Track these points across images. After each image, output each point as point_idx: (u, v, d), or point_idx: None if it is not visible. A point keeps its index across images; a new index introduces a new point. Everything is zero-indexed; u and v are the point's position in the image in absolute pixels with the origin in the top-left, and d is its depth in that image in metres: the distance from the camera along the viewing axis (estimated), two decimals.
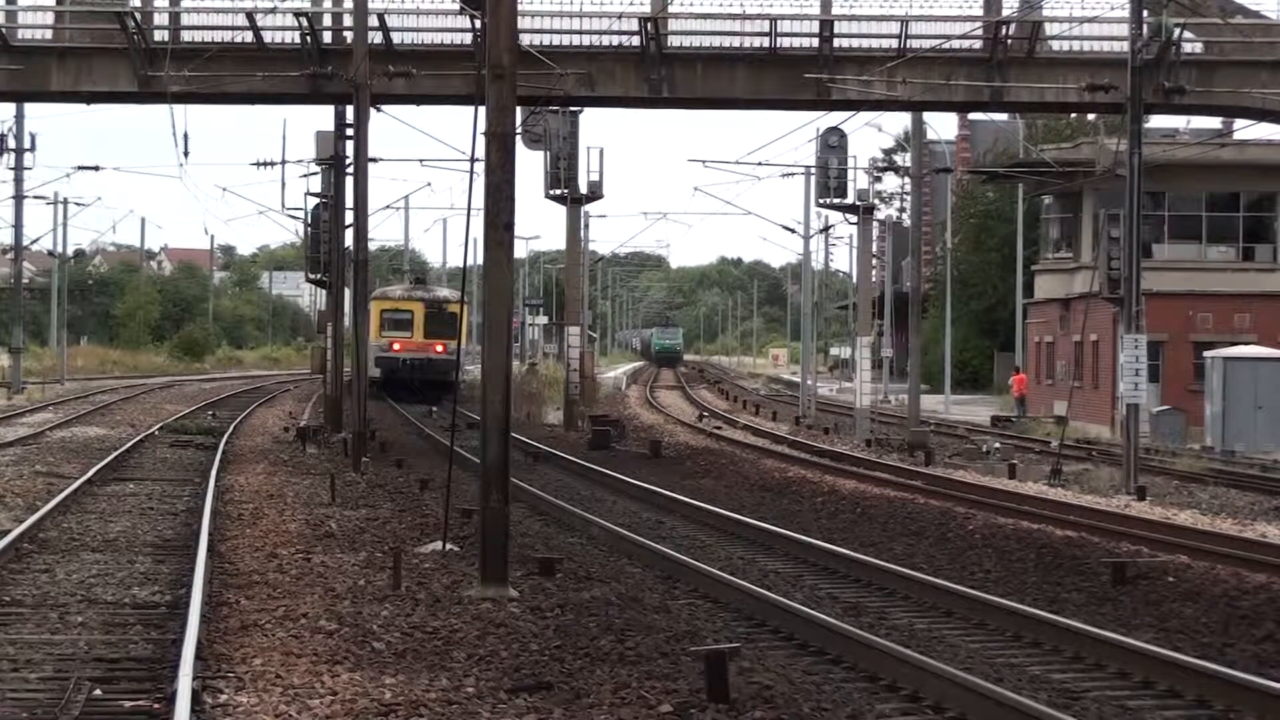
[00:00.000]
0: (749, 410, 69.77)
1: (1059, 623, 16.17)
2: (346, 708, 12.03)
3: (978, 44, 40.05)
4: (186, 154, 44.31)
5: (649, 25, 39.52)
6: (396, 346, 66.79)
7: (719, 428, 54.85)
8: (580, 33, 40.16)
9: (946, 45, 39.97)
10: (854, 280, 75.27)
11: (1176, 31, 38.31)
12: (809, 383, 67.92)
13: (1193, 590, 19.50)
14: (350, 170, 40.16)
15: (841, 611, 17.43)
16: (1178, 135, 62.66)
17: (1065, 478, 36.07)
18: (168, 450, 39.09)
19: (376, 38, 38.44)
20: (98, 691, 12.54)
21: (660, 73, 40.23)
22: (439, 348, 66.76)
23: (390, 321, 67.35)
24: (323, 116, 46.41)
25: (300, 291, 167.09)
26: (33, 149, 73.49)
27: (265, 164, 54.95)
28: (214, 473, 31.19)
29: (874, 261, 60.10)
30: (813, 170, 59.23)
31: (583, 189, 54.50)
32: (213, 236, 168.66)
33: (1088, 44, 40.18)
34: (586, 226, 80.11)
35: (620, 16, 39.93)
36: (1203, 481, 36.32)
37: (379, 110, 40.74)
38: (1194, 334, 57.32)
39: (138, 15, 39.73)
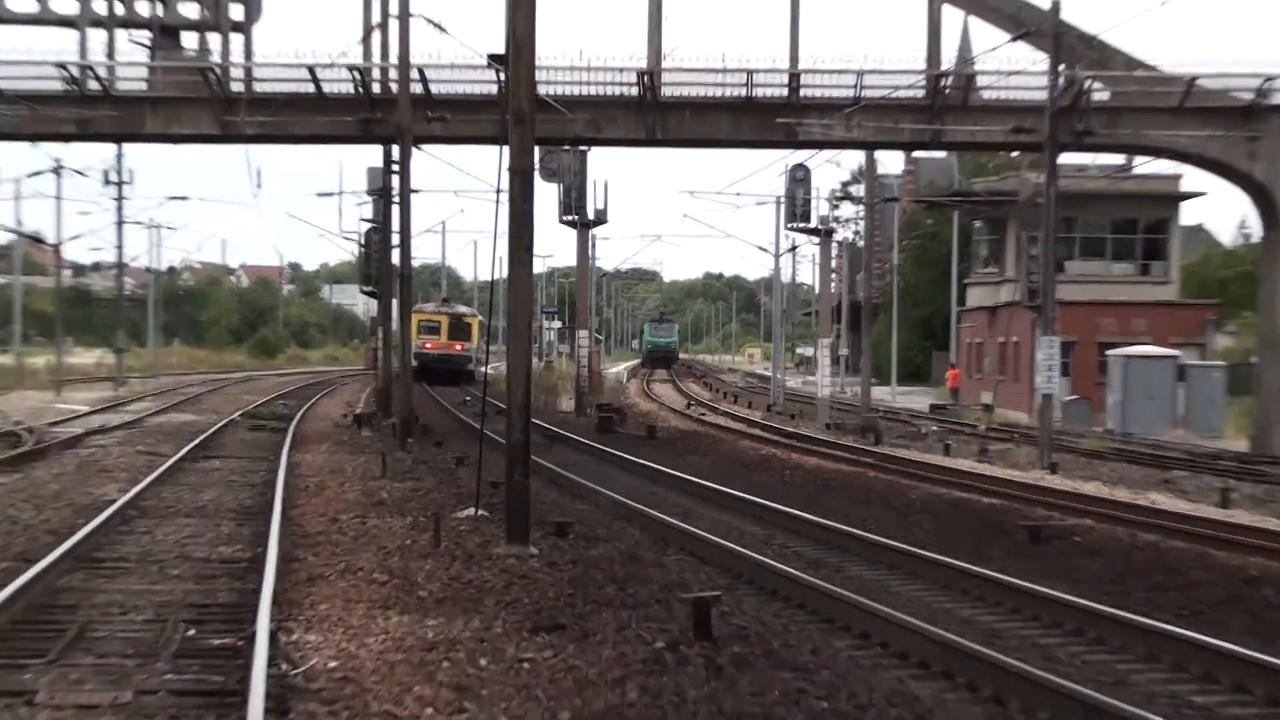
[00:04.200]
0: (729, 400, 69.72)
1: (984, 575, 16.29)
2: (396, 645, 12.11)
3: (920, 93, 40.19)
4: (259, 186, 44.93)
5: (645, 78, 39.67)
6: (428, 345, 75.95)
7: (704, 414, 54.89)
8: (588, 84, 40.29)
9: (895, 94, 40.12)
10: (816, 291, 75.32)
11: (1087, 83, 38.51)
12: (778, 377, 67.95)
13: (1095, 548, 19.62)
14: (396, 200, 40.24)
15: (805, 566, 17.52)
16: (1087, 169, 62.75)
17: (991, 455, 36.20)
18: (246, 433, 39.13)
19: (417, 88, 38.53)
20: (191, 632, 12.63)
21: (655, 118, 40.35)
22: (458, 347, 78.07)
23: (424, 328, 75.55)
24: (373, 154, 46.55)
25: (355, 301, 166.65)
26: (131, 182, 73.72)
27: (326, 194, 55.77)
28: (285, 451, 31.24)
29: (833, 276, 60.07)
30: (782, 199, 59.30)
31: (590, 215, 54.51)
32: (282, 255, 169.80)
33: (1013, 93, 40.32)
34: (593, 246, 79.62)
35: (621, 70, 40.07)
36: (1104, 458, 36.45)
37: (419, 149, 40.82)
38: (1099, 336, 57.50)
39: (217, 70, 39.86)
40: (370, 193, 47.68)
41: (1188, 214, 71.54)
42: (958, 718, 9.77)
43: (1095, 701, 10.15)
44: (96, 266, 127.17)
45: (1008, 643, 13.28)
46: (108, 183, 71.71)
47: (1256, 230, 48.40)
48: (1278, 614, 14.83)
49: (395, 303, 42.19)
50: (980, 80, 41.12)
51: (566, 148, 48.53)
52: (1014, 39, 38.83)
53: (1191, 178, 56.73)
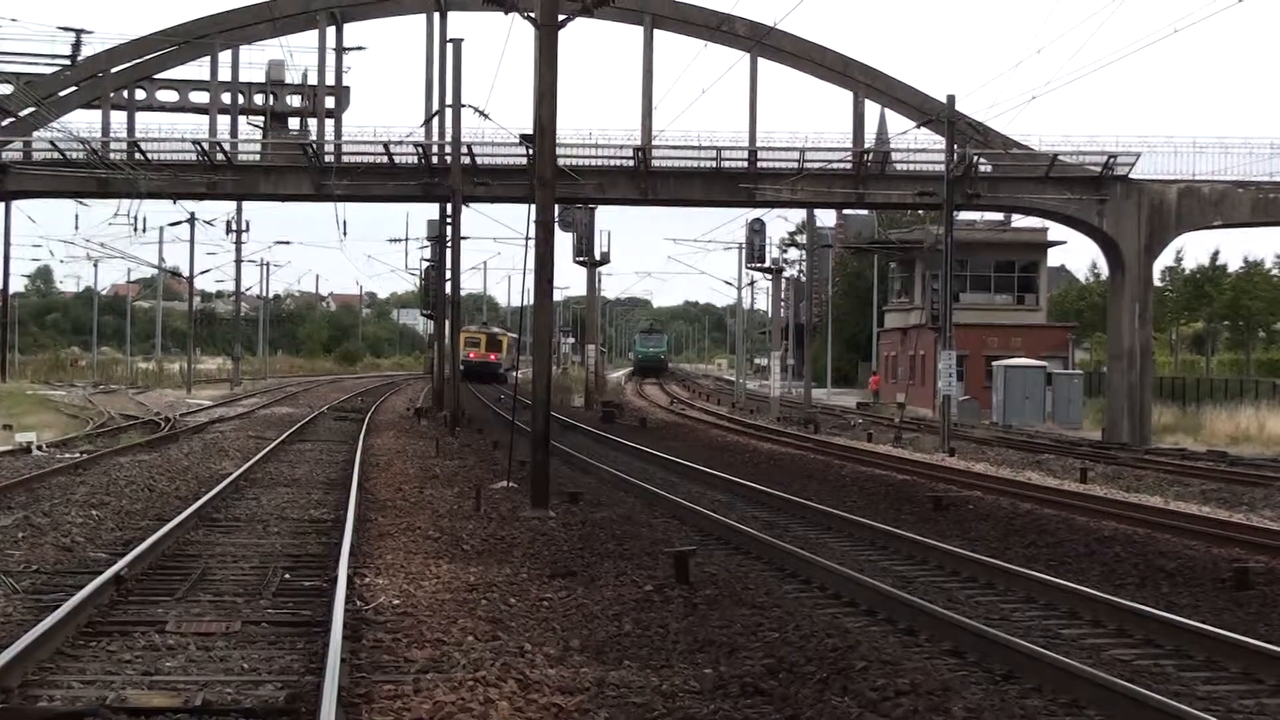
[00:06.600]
0: (702, 398, 69.63)
1: (899, 534, 16.11)
2: (446, 586, 12.00)
3: (848, 165, 40.17)
4: (345, 233, 44.66)
5: (639, 153, 39.66)
6: (471, 355, 75.48)
7: (683, 409, 54.75)
8: (595, 157, 40.33)
9: (829, 167, 40.09)
10: (769, 315, 75.22)
11: (975, 158, 38.55)
12: (741, 381, 67.83)
13: (984, 513, 19.48)
14: (449, 245, 40.14)
15: (761, 526, 17.35)
16: (975, 224, 62.75)
17: (903, 442, 36.05)
18: (332, 422, 39.01)
19: (466, 160, 38.50)
20: (287, 575, 12.51)
21: (647, 183, 40.35)
22: (492, 356, 78.76)
23: (468, 342, 74.77)
24: (432, 209, 46.34)
25: (417, 321, 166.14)
26: (247, 230, 73.82)
27: (395, 240, 55.98)
28: (361, 436, 31.14)
29: (782, 304, 60.02)
30: (743, 245, 59.26)
31: (597, 257, 54.55)
32: (361, 286, 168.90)
33: (919, 166, 40.35)
34: (599, 281, 79.94)
35: (621, 147, 40.09)
36: (990, 444, 36.33)
37: (468, 206, 40.83)
38: (986, 351, 57.36)
39: (314, 145, 39.93)
40: (429, 239, 47.64)
41: (1053, 257, 71.44)
42: (878, 645, 9.62)
43: (988, 634, 9.99)
44: (219, 294, 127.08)
45: (917, 587, 13.12)
46: (229, 230, 71.72)
47: (1104, 270, 48.31)
48: (1125, 565, 14.68)
49: (447, 323, 42.08)
50: (894, 156, 41.18)
51: (579, 205, 48.51)
52: (919, 125, 38.89)
53: (1055, 230, 56.59)
